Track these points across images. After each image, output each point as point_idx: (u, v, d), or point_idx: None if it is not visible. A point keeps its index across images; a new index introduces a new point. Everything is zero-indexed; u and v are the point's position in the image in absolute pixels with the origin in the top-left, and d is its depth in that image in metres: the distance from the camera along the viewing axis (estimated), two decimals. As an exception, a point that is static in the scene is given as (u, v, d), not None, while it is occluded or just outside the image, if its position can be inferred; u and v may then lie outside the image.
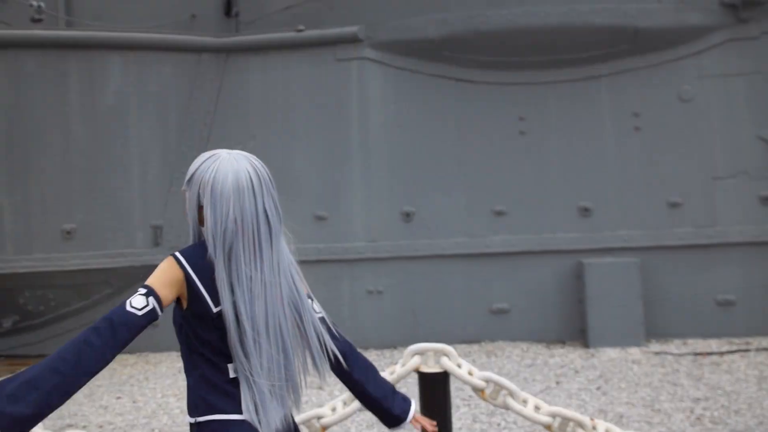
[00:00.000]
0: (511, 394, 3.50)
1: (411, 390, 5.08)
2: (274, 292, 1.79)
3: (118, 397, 6.06)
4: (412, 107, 7.74)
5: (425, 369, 3.52)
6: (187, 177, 1.87)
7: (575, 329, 7.37)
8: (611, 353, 6.81)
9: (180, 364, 7.12)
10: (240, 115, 7.85)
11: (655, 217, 7.44)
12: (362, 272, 7.63)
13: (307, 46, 7.84)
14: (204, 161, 1.86)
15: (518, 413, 3.51)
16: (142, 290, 1.73)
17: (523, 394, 3.53)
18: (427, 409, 3.36)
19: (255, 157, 1.91)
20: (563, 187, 7.58)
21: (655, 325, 7.23)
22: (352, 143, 7.80)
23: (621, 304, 7.10)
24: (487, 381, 3.52)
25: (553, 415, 3.46)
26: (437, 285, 7.50)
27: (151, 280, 1.77)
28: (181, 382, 6.44)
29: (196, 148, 7.78)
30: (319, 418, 3.53)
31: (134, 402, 5.89)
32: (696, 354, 6.69)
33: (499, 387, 3.52)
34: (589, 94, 7.63)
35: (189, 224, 1.92)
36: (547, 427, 3.47)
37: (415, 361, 3.54)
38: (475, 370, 3.55)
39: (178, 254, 1.82)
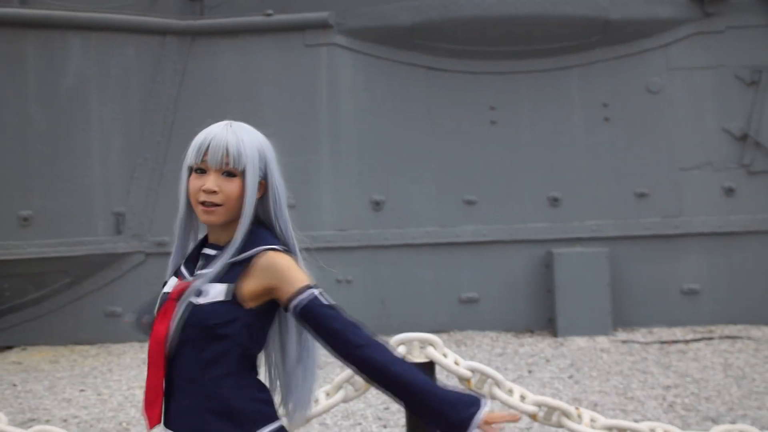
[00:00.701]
0: (497, 383, 3.45)
1: None
2: None
3: (82, 390, 5.86)
4: (382, 95, 7.66)
5: (410, 359, 3.46)
6: (240, 156, 1.59)
7: (544, 318, 7.41)
8: (580, 342, 6.86)
9: (144, 354, 6.95)
10: (205, 101, 7.64)
11: (623, 207, 7.51)
12: (331, 261, 7.47)
13: (275, 31, 7.68)
14: (244, 128, 1.67)
15: (504, 403, 3.46)
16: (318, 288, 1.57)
17: (509, 384, 3.49)
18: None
19: None
20: (533, 177, 7.59)
21: (621, 314, 7.30)
22: (322, 131, 7.68)
23: (590, 293, 7.16)
24: (473, 371, 3.47)
25: (539, 405, 3.43)
26: (407, 274, 7.46)
27: (305, 277, 1.59)
28: (147, 373, 6.29)
29: (159, 133, 7.59)
30: None
31: (99, 395, 5.70)
32: (662, 342, 6.78)
33: (484, 377, 3.48)
34: (559, 85, 7.65)
35: (247, 209, 1.60)
36: (533, 416, 3.44)
37: (401, 351, 3.47)
38: (460, 359, 3.51)
39: (279, 247, 1.62)
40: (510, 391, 3.49)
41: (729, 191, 7.49)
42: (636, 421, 4.48)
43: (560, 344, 6.83)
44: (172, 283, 1.66)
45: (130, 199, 7.54)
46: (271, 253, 1.59)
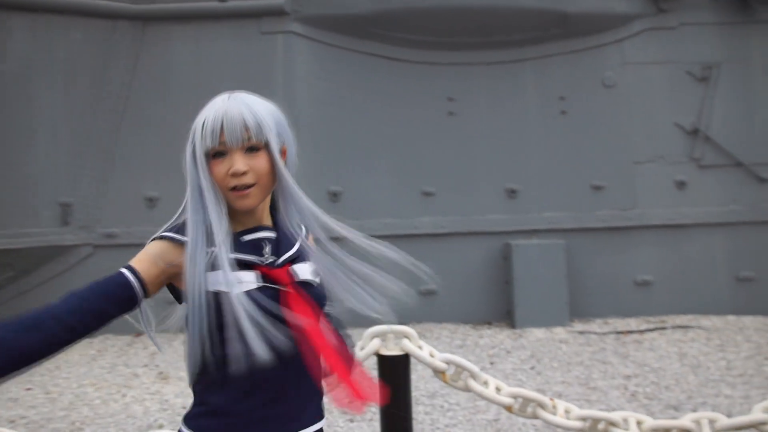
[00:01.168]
0: (473, 375, 3.42)
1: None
2: None
3: (28, 389, 5.60)
4: (340, 85, 7.55)
5: (385, 352, 3.39)
6: (261, 127, 1.47)
7: (501, 310, 7.43)
8: (538, 333, 6.90)
9: (93, 350, 6.69)
10: (158, 88, 7.41)
11: (579, 200, 7.59)
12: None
13: (230, 17, 7.49)
14: (250, 97, 1.53)
15: (480, 395, 3.43)
16: None
17: (485, 376, 3.46)
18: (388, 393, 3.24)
19: None
20: (491, 168, 7.61)
21: (577, 306, 7.38)
22: (278, 120, 7.52)
23: (547, 285, 7.21)
24: (449, 363, 3.43)
25: (515, 396, 3.41)
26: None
27: None
28: (97, 370, 6.06)
29: (110, 121, 7.32)
30: None
31: (47, 393, 5.46)
32: (618, 332, 6.88)
33: (460, 369, 3.44)
34: (517, 77, 7.68)
35: (286, 178, 1.53)
36: (508, 408, 3.42)
37: (375, 344, 3.40)
38: (435, 352, 3.46)
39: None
40: (485, 383, 3.46)
41: (681, 184, 7.65)
42: (601, 410, 4.53)
43: (519, 336, 6.86)
44: (249, 278, 1.47)
45: (77, 189, 7.24)
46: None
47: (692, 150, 7.69)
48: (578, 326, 7.15)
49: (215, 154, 1.46)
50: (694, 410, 4.61)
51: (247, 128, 1.44)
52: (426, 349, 3.47)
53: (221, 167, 1.46)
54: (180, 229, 1.49)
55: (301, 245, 1.58)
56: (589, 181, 7.59)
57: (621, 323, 7.21)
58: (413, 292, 1.65)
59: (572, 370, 5.65)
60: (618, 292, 7.52)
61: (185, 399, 5.07)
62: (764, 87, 7.86)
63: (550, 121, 7.67)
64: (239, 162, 1.44)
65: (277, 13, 7.49)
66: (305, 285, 1.53)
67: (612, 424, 3.39)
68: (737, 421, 3.33)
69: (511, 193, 7.59)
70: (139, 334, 7.17)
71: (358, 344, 3.47)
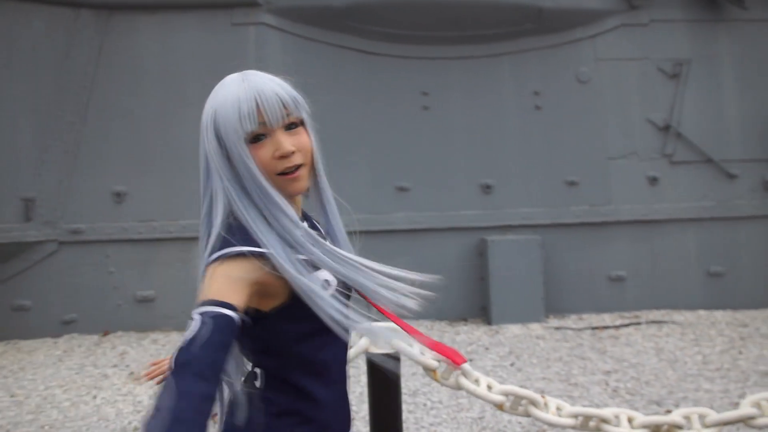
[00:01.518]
0: (465, 373, 3.34)
1: (359, 372, 4.85)
2: None
3: (-9, 391, 5.37)
4: (312, 78, 7.36)
5: (374, 350, 3.29)
6: (296, 101, 1.40)
7: (477, 306, 7.39)
8: (514, 330, 6.87)
9: (59, 351, 6.45)
10: (124, 80, 7.18)
11: (554, 195, 7.58)
12: (260, 250, 7.26)
13: (200, 7, 7.29)
14: (267, 74, 1.43)
15: (471, 393, 3.35)
16: None
17: (475, 373, 3.39)
18: (377, 394, 3.15)
19: None
20: (466, 164, 7.55)
21: (552, 301, 7.37)
22: (249, 114, 7.35)
23: (523, 281, 7.18)
24: (440, 361, 3.35)
25: (506, 394, 3.34)
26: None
27: None
28: (65, 371, 5.84)
29: (73, 113, 7.07)
30: None
31: (12, 396, 5.23)
32: (594, 328, 6.88)
33: (451, 366, 3.36)
34: (492, 72, 7.62)
35: (320, 160, 1.49)
36: (499, 405, 3.35)
37: (365, 342, 3.29)
38: (426, 349, 3.38)
39: None
40: (477, 381, 3.39)
41: (653, 180, 7.69)
42: (585, 406, 4.50)
43: (495, 332, 6.82)
44: (328, 278, 1.39)
45: (41, 183, 6.99)
46: None
47: (664, 146, 7.74)
48: (554, 322, 7.14)
49: (254, 138, 1.32)
50: (677, 405, 4.62)
51: (284, 104, 1.33)
52: (417, 347, 3.39)
53: (264, 151, 1.32)
54: (243, 237, 1.28)
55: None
56: (564, 176, 7.59)
57: (596, 319, 7.23)
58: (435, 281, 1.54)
59: (552, 366, 5.62)
60: (592, 287, 7.53)
61: (159, 400, 4.90)
62: (732, 84, 7.94)
63: (524, 116, 7.64)
64: (286, 142, 1.33)
65: (249, 4, 7.31)
66: None
67: (603, 420, 3.34)
68: (727, 416, 3.30)
69: (486, 188, 7.55)
70: (107, 333, 6.96)
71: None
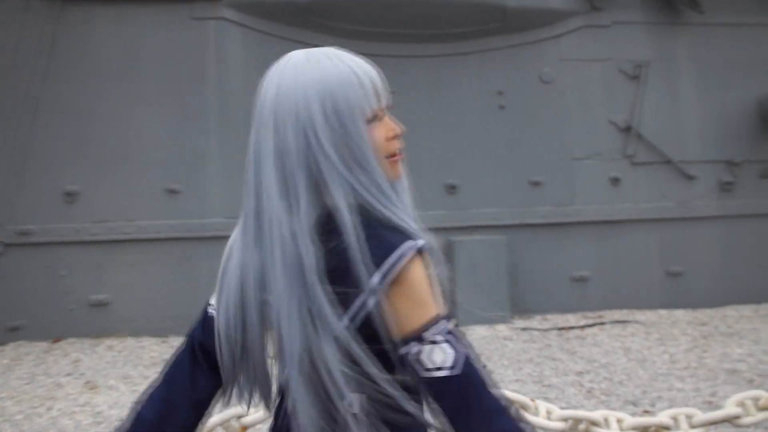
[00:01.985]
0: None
1: None
2: None
3: (-64, 403, 5.04)
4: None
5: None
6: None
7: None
8: (481, 331, 6.82)
9: (6, 360, 6.11)
10: (78, 74, 6.88)
11: (519, 196, 7.56)
12: (221, 251, 7.00)
13: (159, 0, 7.02)
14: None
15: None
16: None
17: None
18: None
19: None
20: (431, 163, 7.46)
21: (516, 302, 7.35)
22: (209, 111, 7.14)
23: (489, 281, 7.14)
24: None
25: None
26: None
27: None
28: (15, 381, 5.52)
29: (23, 109, 6.74)
30: (239, 417, 3.06)
31: (-38, 408, 4.92)
32: (559, 329, 6.88)
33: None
34: (457, 71, 7.57)
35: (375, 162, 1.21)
36: (489, 410, 3.26)
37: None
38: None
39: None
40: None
41: (615, 181, 7.74)
42: (563, 408, 4.46)
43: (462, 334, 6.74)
44: None
45: (-13, 182, 6.63)
46: None
47: (626, 147, 7.80)
48: (519, 323, 7.11)
49: (372, 118, 1.22)
50: (652, 405, 4.61)
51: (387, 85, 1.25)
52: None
53: (379, 132, 1.21)
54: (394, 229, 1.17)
55: None
56: (528, 176, 7.58)
57: (560, 319, 7.23)
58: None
59: (523, 368, 5.57)
60: (556, 288, 7.54)
61: (120, 410, 4.66)
62: (689, 86, 8.07)
63: (489, 115, 7.60)
64: (395, 122, 1.26)
65: (209, -3, 7.09)
66: None
67: (593, 423, 3.28)
68: (713, 415, 3.28)
69: (451, 188, 7.48)
70: (57, 339, 6.64)
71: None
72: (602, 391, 4.94)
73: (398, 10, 7.17)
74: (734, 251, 7.88)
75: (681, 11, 8.04)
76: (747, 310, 7.66)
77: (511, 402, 1.07)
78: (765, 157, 8.03)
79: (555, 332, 6.76)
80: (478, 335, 6.67)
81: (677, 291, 7.73)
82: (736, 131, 8.00)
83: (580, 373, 5.40)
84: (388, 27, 7.28)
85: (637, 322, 7.05)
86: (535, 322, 7.16)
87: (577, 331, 6.77)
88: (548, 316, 7.32)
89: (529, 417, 3.23)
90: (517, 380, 5.27)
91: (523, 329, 6.85)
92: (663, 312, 7.49)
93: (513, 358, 5.87)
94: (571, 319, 7.24)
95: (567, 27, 7.79)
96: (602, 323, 7.02)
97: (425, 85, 7.49)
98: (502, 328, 6.90)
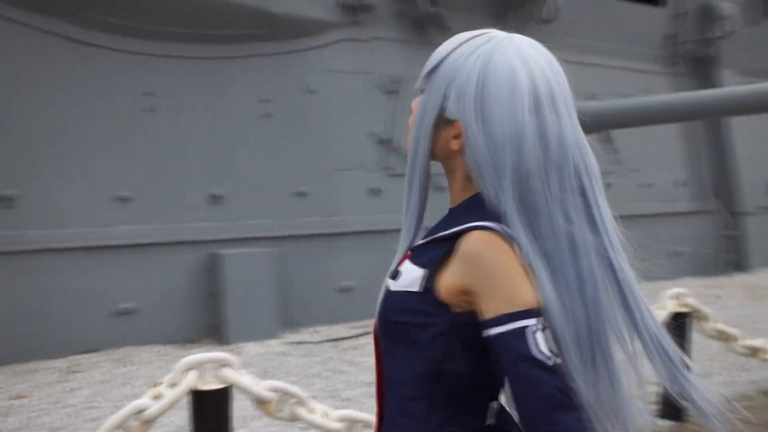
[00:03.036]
0: (301, 402, 3.02)
1: (181, 415, 4.00)
2: (598, 276, 1.01)
3: None
4: (17, 69, 6.21)
5: (203, 386, 2.77)
6: (429, 68, 1.10)
7: (207, 326, 6.85)
8: (254, 348, 6.52)
9: None
10: None
11: (286, 206, 7.39)
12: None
13: None
14: (464, 43, 1.08)
15: (309, 423, 3.03)
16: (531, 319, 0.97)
17: (312, 402, 3.07)
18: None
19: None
20: (195, 172, 6.98)
21: (285, 315, 7.15)
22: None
23: (259, 296, 6.86)
24: (275, 390, 2.95)
25: (343, 420, 3.09)
26: (49, 284, 6.15)
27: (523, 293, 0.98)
28: None
29: None
30: (139, 412, 2.53)
31: None
32: (332, 340, 6.83)
33: (286, 396, 2.99)
34: (222, 75, 7.18)
35: (410, 158, 1.16)
36: (339, 434, 3.08)
37: (192, 378, 2.75)
38: (257, 379, 2.96)
39: (496, 226, 1.01)
40: (312, 410, 3.06)
41: (376, 192, 7.94)
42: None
43: (235, 351, 6.36)
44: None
45: None
46: (477, 234, 1.01)
47: (385, 159, 8.04)
48: (291, 337, 6.94)
49: None
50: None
51: None
52: (247, 377, 2.94)
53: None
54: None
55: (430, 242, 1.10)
56: (295, 187, 7.44)
57: (330, 330, 7.20)
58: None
59: (314, 383, 5.41)
60: (324, 299, 7.49)
61: None
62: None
63: (255, 123, 7.32)
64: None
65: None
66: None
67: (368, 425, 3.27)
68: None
69: (217, 198, 7.06)
70: None
71: (166, 379, 2.79)
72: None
73: (160, 4, 6.61)
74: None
75: (428, 31, 8.49)
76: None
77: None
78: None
79: (329, 344, 6.69)
80: (253, 352, 6.36)
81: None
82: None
83: (369, 384, 5.38)
84: (148, 22, 6.67)
85: (402, 328, 7.28)
86: (307, 334, 7.04)
87: (350, 342, 6.78)
88: (318, 328, 7.25)
89: (306, 416, 3.08)
90: (313, 397, 5.04)
91: (298, 343, 6.69)
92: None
93: (300, 374, 5.68)
94: (341, 329, 7.24)
95: (330, 38, 7.83)
96: (370, 332, 7.11)
97: (189, 89, 6.99)
98: (274, 344, 6.66)
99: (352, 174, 7.82)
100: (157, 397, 2.66)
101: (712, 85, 10.39)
